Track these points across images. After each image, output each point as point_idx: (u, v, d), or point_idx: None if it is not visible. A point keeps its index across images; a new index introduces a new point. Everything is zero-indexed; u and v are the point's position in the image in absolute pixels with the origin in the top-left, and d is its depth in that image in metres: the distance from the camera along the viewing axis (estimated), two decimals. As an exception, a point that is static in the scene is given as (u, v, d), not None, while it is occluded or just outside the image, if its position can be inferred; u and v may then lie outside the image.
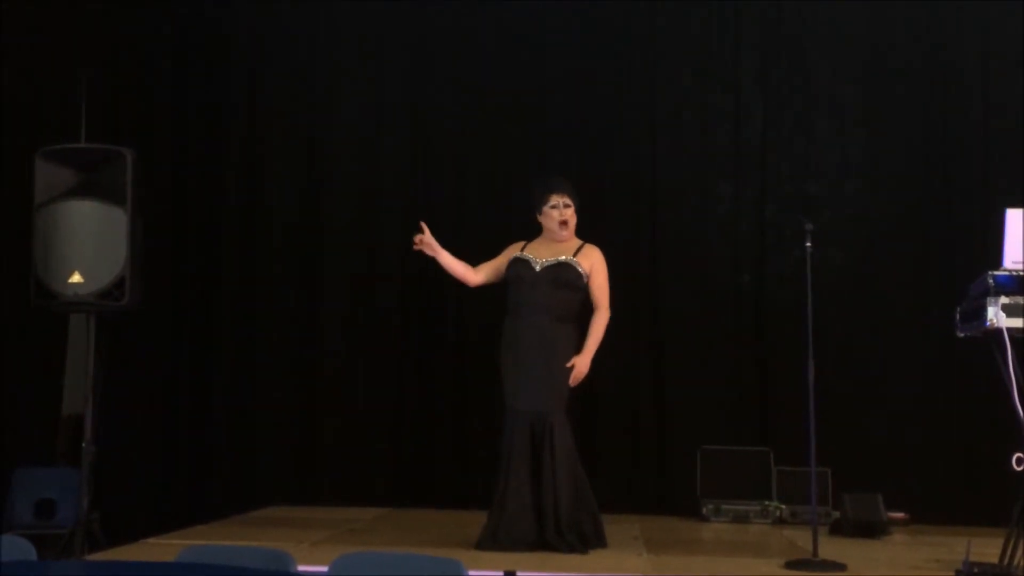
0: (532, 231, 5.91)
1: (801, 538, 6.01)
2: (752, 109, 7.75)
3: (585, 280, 5.69)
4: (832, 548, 5.58)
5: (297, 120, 8.01)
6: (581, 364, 5.59)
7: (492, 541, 5.51)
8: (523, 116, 7.81)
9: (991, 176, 7.37)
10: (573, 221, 5.72)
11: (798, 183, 7.67)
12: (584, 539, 5.54)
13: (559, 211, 5.67)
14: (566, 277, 5.64)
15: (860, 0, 7.61)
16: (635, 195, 7.78)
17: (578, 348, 5.66)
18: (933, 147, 7.59)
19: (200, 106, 7.99)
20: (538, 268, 5.64)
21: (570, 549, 5.42)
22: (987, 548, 5.07)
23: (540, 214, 5.76)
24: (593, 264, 5.71)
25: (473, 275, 5.82)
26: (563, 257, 5.67)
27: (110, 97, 7.68)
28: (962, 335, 5.25)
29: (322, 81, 8.01)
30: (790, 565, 5.25)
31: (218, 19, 8.01)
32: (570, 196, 5.71)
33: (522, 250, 5.73)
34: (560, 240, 5.71)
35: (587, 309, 5.83)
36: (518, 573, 4.94)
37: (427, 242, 5.75)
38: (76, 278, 5.68)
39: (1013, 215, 5.02)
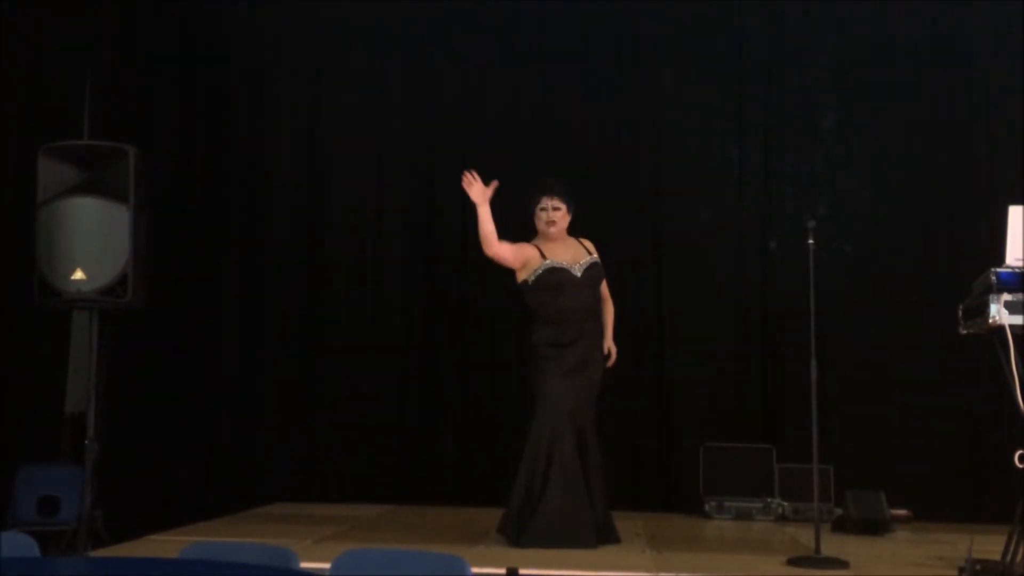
0: (532, 229, 5.93)
1: (804, 535, 6.01)
2: (756, 106, 7.74)
3: (602, 272, 5.93)
4: (835, 545, 5.58)
5: (300, 117, 8.02)
6: (613, 350, 5.89)
7: (547, 537, 5.49)
8: (526, 112, 7.81)
9: (995, 173, 7.36)
10: (563, 223, 5.84)
11: (802, 180, 7.67)
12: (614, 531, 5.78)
13: (548, 213, 5.82)
14: (596, 275, 5.88)
15: (863, 7, 7.60)
16: (638, 193, 7.78)
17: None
18: (937, 144, 7.59)
19: (203, 102, 7.99)
20: (579, 274, 5.79)
21: (609, 540, 5.67)
22: (990, 545, 5.07)
23: (534, 215, 5.90)
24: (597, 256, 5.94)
25: (495, 246, 5.71)
26: (589, 258, 5.85)
27: (113, 94, 7.69)
28: (965, 332, 5.24)
29: (325, 78, 8.02)
30: (793, 562, 5.25)
31: (221, 16, 8.01)
32: (561, 198, 5.84)
33: (544, 256, 5.79)
34: (552, 240, 5.81)
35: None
36: (520, 571, 4.94)
37: (478, 187, 5.70)
38: (79, 275, 5.68)
39: (1015, 212, 5.02)
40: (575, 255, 5.84)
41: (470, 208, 7.66)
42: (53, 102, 7.40)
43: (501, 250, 5.72)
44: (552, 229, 5.79)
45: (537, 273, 5.76)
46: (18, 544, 3.53)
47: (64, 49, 7.48)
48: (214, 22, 8.02)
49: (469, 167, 7.76)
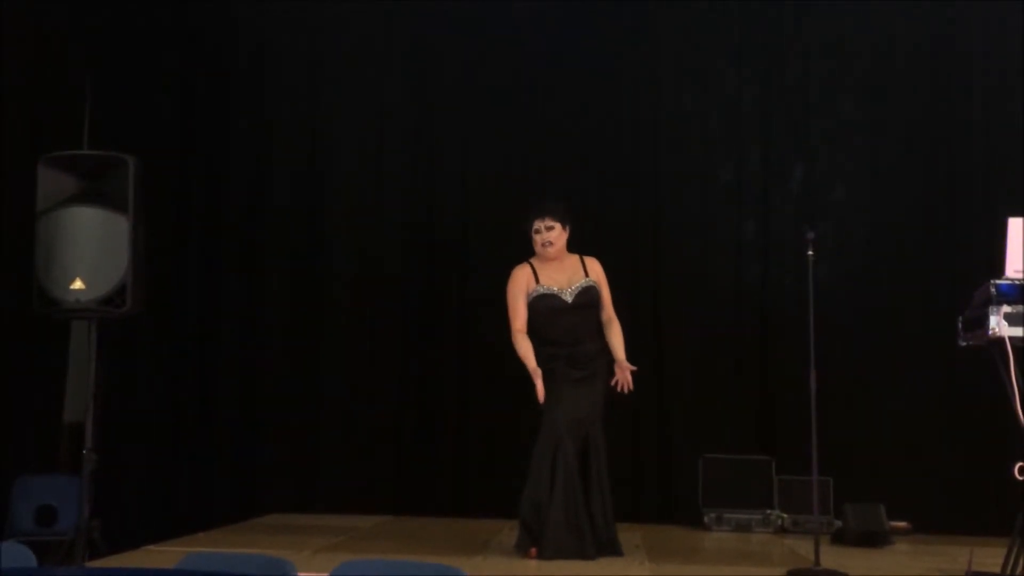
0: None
1: (803, 547, 6.01)
2: (754, 118, 7.75)
3: (599, 293, 5.88)
4: (834, 557, 5.58)
5: (300, 128, 8.02)
6: (629, 372, 5.80)
7: (552, 549, 5.51)
8: (526, 120, 7.82)
9: (994, 185, 7.36)
10: (559, 242, 5.85)
11: (800, 192, 7.67)
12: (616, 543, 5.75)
13: (541, 235, 5.84)
14: (591, 298, 5.85)
15: (862, 7, 7.61)
16: (637, 203, 7.78)
17: (608, 358, 5.82)
18: (937, 153, 7.59)
19: (203, 112, 7.99)
20: (570, 300, 5.81)
21: (612, 553, 5.63)
22: (989, 558, 5.07)
23: (530, 237, 5.90)
24: (600, 276, 5.92)
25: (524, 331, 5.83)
26: (583, 281, 5.84)
27: (113, 104, 7.68)
28: (964, 344, 5.24)
29: (326, 89, 8.02)
30: (792, 574, 5.24)
31: (222, 26, 8.02)
32: (552, 217, 5.84)
33: (537, 280, 5.83)
34: (550, 259, 5.83)
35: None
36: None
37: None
38: (78, 285, 5.67)
39: (1015, 224, 5.02)
40: (570, 278, 5.84)
41: (471, 217, 7.77)
42: (53, 111, 7.40)
43: (518, 326, 5.78)
44: (549, 251, 5.82)
45: (531, 297, 5.82)
46: (15, 554, 3.52)
47: (65, 58, 7.48)
48: (215, 31, 8.02)
49: (470, 173, 7.83)
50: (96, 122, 7.53)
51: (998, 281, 4.93)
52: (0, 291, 6.93)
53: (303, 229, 7.92)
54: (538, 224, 5.84)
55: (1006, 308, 4.87)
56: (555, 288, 5.81)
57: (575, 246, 5.94)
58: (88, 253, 5.72)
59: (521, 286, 5.83)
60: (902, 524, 6.73)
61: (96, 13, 7.62)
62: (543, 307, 5.80)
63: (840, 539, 6.46)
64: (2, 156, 6.97)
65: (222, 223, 7.94)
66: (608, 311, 5.89)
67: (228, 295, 7.90)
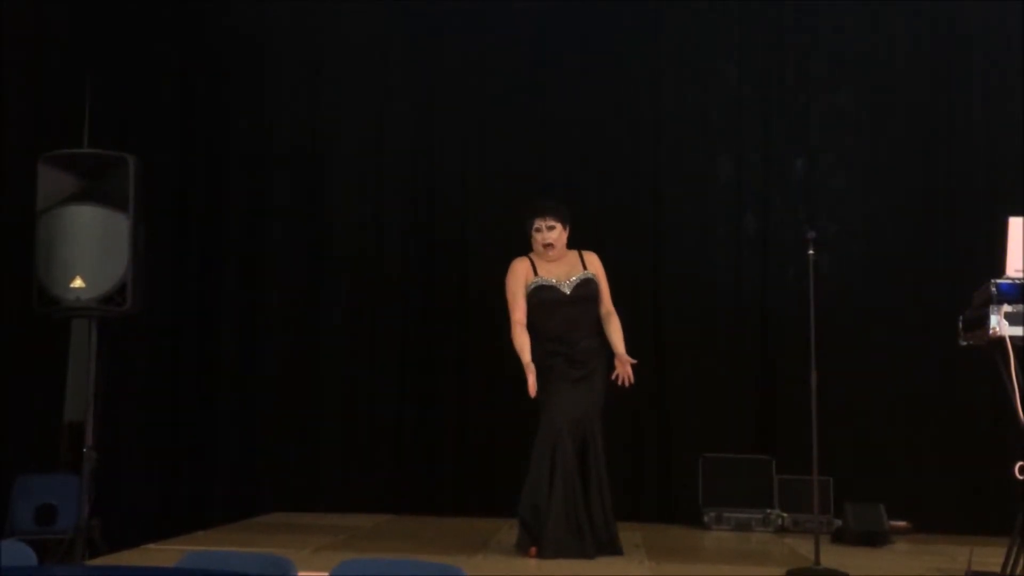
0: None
1: (803, 547, 6.01)
2: (755, 117, 7.74)
3: (598, 286, 5.87)
4: (834, 557, 5.56)
5: (300, 128, 8.01)
6: (629, 365, 5.77)
7: (553, 547, 5.51)
8: (526, 120, 7.82)
9: (994, 185, 7.36)
10: (560, 242, 5.85)
11: (801, 191, 7.67)
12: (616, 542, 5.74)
13: (542, 235, 5.84)
14: (590, 291, 5.85)
15: (862, 7, 7.62)
16: (637, 203, 7.78)
17: (607, 354, 5.81)
18: (937, 155, 7.59)
19: (203, 111, 7.99)
20: (568, 291, 5.80)
21: (612, 552, 5.63)
22: (989, 558, 5.07)
23: (529, 237, 5.89)
24: (598, 270, 5.92)
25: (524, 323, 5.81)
26: (582, 274, 5.85)
27: (113, 103, 7.69)
28: (965, 344, 5.23)
29: (326, 89, 8.01)
30: (792, 574, 5.23)
31: (222, 26, 8.01)
32: (554, 217, 5.84)
33: (535, 272, 5.83)
34: (552, 260, 5.82)
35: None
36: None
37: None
38: (78, 283, 5.67)
39: (1015, 223, 5.02)
40: (569, 271, 5.84)
41: (471, 217, 7.77)
42: (54, 110, 7.40)
43: (517, 318, 5.75)
44: (551, 251, 5.82)
45: (529, 289, 5.81)
46: (15, 552, 3.52)
47: (66, 57, 7.48)
48: (216, 29, 8.01)
49: (469, 168, 7.83)
50: (96, 121, 7.53)
51: (998, 281, 4.92)
52: (0, 291, 6.93)
53: (303, 229, 7.92)
54: (539, 223, 5.83)
55: (1006, 308, 4.87)
56: (553, 280, 5.80)
57: (574, 244, 5.94)
58: (88, 252, 5.72)
59: (520, 278, 5.82)
60: (902, 524, 6.73)
61: (96, 12, 7.62)
62: (541, 299, 5.78)
63: (840, 539, 6.46)
64: (2, 156, 6.97)
65: (222, 223, 7.94)
66: (607, 305, 5.89)
67: (228, 295, 7.90)
